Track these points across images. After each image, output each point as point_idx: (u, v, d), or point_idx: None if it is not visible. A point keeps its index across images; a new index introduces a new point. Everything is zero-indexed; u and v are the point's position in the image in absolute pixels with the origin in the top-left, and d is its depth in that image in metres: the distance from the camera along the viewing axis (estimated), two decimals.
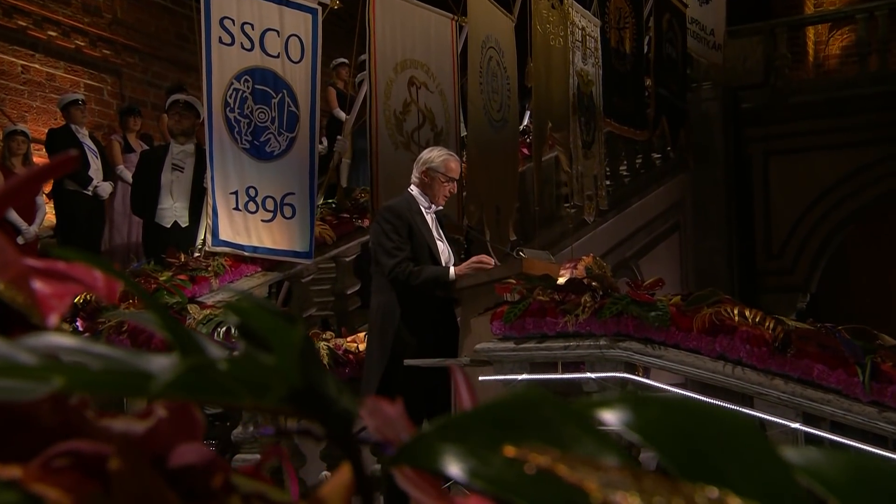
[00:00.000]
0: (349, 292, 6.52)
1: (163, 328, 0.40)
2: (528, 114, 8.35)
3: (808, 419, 3.70)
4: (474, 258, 4.23)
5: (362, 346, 5.04)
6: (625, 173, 9.35)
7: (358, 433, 0.41)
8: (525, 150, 7.64)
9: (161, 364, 0.41)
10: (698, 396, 4.17)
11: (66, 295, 0.51)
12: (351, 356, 4.93)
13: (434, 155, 4.54)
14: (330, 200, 6.56)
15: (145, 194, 6.14)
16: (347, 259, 6.50)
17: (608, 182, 8.42)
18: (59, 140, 7.21)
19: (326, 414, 0.40)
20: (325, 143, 7.71)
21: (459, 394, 0.53)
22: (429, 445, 0.39)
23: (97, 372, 0.39)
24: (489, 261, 4.18)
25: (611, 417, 0.41)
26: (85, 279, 0.54)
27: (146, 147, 7.72)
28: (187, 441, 0.47)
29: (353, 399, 0.43)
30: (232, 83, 5.44)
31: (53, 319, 0.50)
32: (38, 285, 0.52)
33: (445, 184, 4.48)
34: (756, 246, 10.79)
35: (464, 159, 6.80)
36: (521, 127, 7.91)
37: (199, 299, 5.09)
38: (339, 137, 6.63)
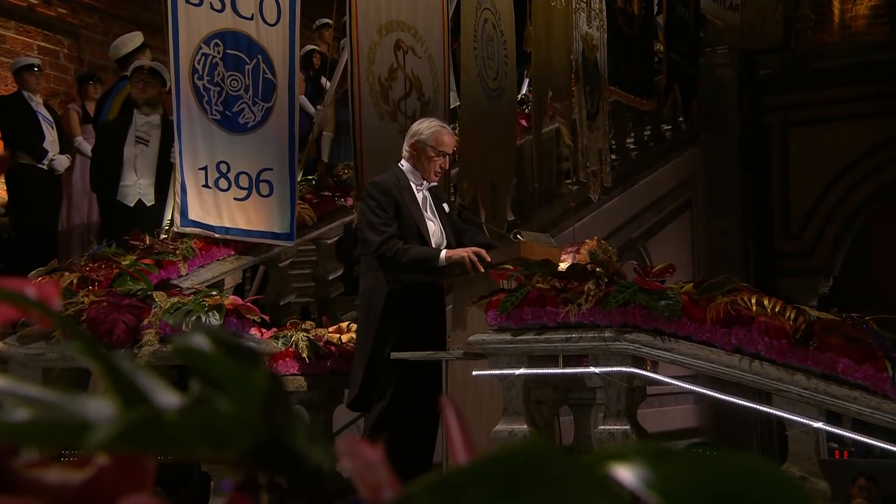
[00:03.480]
0: (331, 277, 6.49)
1: (100, 373, 0.37)
2: (526, 82, 8.30)
3: (831, 418, 3.70)
4: (472, 248, 4.20)
5: (345, 337, 5.01)
6: (632, 147, 9.32)
7: (334, 495, 0.38)
8: (523, 122, 7.60)
9: (101, 411, 0.38)
10: (712, 392, 4.16)
11: None
12: (333, 348, 4.90)
13: (423, 127, 4.51)
14: (309, 177, 6.51)
15: (106, 170, 6.08)
16: (329, 241, 6.46)
17: (613, 156, 8.39)
18: (11, 108, 7.13)
19: (294, 470, 0.37)
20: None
21: (451, 437, 0.50)
22: None
23: (24, 423, 0.36)
24: (487, 256, 4.16)
25: (627, 475, 0.38)
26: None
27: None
28: (134, 492, 0.44)
29: (327, 449, 0.40)
30: (200, 47, 5.37)
31: None
32: None
33: (435, 158, 4.46)
34: (773, 226, 10.78)
35: (456, 131, 6.76)
36: (519, 96, 7.85)
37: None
38: (318, 107, 6.57)
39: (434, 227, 4.46)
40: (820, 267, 10.66)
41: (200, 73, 5.39)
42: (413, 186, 4.46)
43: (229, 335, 0.39)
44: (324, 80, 8.23)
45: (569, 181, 7.97)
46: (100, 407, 0.38)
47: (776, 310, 3.62)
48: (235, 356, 0.38)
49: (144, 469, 0.44)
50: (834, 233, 10.67)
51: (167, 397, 0.39)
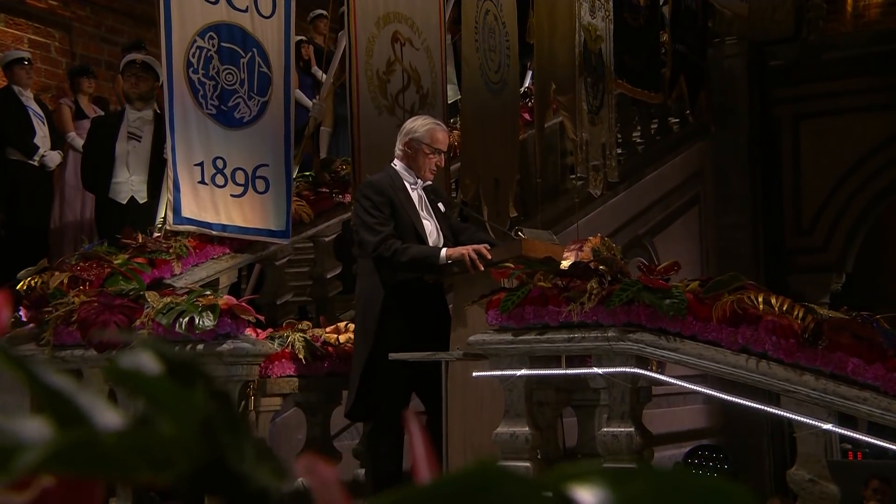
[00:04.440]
0: (329, 276, 6.49)
1: (33, 390, 0.36)
2: (529, 74, 8.29)
3: (841, 419, 3.69)
4: (472, 246, 4.20)
5: (343, 338, 5.01)
6: (638, 141, 9.31)
7: None
8: (526, 116, 7.59)
9: (37, 432, 0.38)
10: (719, 393, 4.16)
11: None
12: (330, 348, 4.90)
13: (418, 124, 4.51)
14: (306, 173, 6.50)
15: (97, 166, 6.08)
16: (327, 239, 6.45)
17: (619, 151, 8.38)
18: (1, 103, 7.13)
19: (238, 492, 0.36)
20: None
21: (415, 454, 0.49)
22: None
23: None
24: (488, 254, 4.16)
25: (586, 496, 0.38)
26: None
27: (100, 112, 7.65)
28: None
29: (276, 470, 0.40)
30: (195, 40, 5.37)
31: None
32: None
33: (431, 156, 4.45)
34: (784, 221, 10.76)
35: (457, 126, 6.75)
36: (523, 89, 7.85)
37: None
38: (315, 101, 6.55)
39: (430, 227, 4.45)
40: (832, 263, 10.63)
41: (195, 66, 5.39)
42: (408, 186, 4.45)
43: (173, 351, 0.39)
44: (315, 69, 8.22)
45: (573, 176, 7.96)
46: (36, 428, 0.37)
47: (784, 308, 3.61)
48: (177, 373, 0.38)
49: (93, 490, 0.44)
50: (847, 228, 10.65)
51: (108, 417, 0.38)
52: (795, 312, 3.61)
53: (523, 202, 7.61)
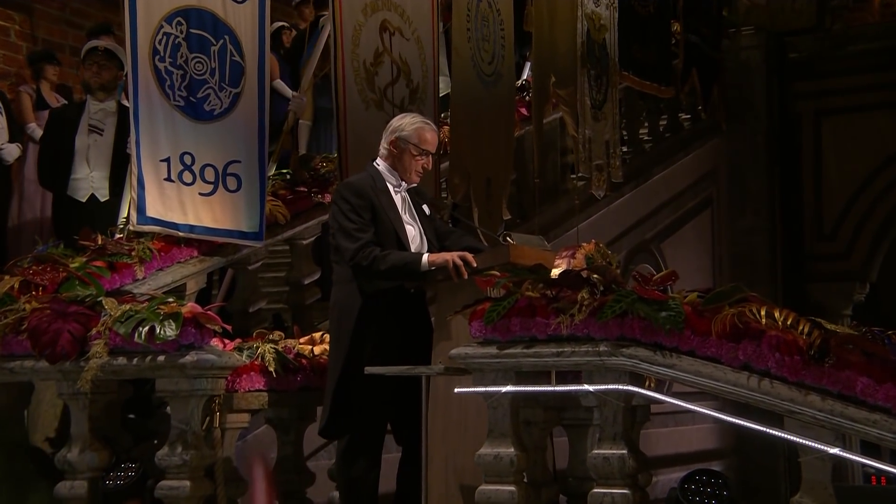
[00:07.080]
0: (307, 282, 6.49)
1: None
2: (527, 66, 8.30)
3: (863, 443, 3.69)
4: (457, 252, 4.21)
5: (318, 349, 5.02)
6: (645, 138, 9.32)
7: None
8: (523, 111, 7.59)
9: None
10: (718, 414, 4.16)
11: None
12: (304, 361, 4.91)
13: (405, 122, 4.52)
14: (284, 171, 6.51)
15: (55, 161, 6.08)
16: (305, 242, 6.46)
17: (624, 149, 8.39)
18: None
19: None
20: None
21: (255, 489, 0.49)
22: None
23: None
24: (473, 261, 4.16)
25: None
26: None
27: (64, 101, 7.65)
28: None
29: None
30: (162, 26, 5.36)
31: None
32: None
33: (418, 158, 4.47)
34: (804, 225, 10.78)
35: (447, 121, 6.75)
36: (519, 83, 7.85)
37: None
38: (294, 94, 6.56)
39: (413, 232, 4.46)
40: (855, 271, 10.65)
41: (162, 54, 5.39)
42: (390, 188, 4.46)
43: None
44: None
45: (574, 176, 7.96)
46: None
47: (788, 322, 3.61)
48: None
49: None
50: (871, 233, 10.67)
51: None
52: (801, 327, 3.61)
53: (520, 203, 7.62)
